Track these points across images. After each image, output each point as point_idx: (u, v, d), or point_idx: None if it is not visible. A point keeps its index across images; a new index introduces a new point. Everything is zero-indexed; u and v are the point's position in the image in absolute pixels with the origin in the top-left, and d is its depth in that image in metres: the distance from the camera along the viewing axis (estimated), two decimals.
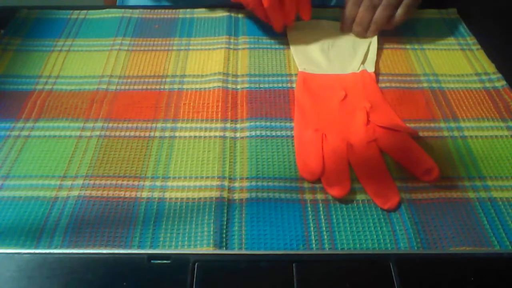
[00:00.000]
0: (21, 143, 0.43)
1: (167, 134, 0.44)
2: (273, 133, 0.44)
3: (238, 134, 0.44)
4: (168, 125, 0.45)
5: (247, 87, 0.49)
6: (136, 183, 0.40)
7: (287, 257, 0.34)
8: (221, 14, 0.60)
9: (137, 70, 0.52)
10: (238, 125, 0.45)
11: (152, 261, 0.33)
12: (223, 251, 0.35)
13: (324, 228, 0.37)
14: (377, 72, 0.51)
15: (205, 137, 0.44)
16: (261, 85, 0.50)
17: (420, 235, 0.36)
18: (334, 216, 0.38)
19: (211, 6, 0.61)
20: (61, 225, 0.37)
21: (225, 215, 0.38)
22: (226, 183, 0.40)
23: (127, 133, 0.44)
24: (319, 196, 0.39)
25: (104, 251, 0.34)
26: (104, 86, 0.49)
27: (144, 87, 0.49)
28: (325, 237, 0.36)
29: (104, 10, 0.60)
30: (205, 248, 0.35)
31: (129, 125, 0.45)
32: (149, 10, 0.61)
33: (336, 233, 0.36)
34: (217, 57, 0.53)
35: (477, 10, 0.62)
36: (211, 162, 0.42)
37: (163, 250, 0.35)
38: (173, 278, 0.32)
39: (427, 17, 0.60)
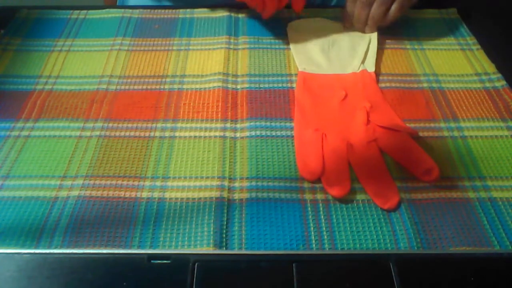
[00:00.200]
0: (21, 143, 0.43)
1: (167, 134, 0.44)
2: (273, 133, 0.44)
3: (238, 134, 0.44)
4: (168, 125, 0.45)
5: (247, 87, 0.49)
6: (136, 183, 0.40)
7: (287, 257, 0.34)
8: (221, 14, 0.60)
9: (137, 70, 0.52)
10: (238, 125, 0.45)
11: (152, 261, 0.33)
12: (223, 251, 0.35)
13: (324, 228, 0.37)
14: (377, 72, 0.51)
15: (205, 137, 0.44)
16: (261, 85, 0.50)
17: (420, 235, 0.36)
18: (334, 216, 0.38)
19: (211, 6, 0.61)
20: (61, 225, 0.37)
21: (225, 215, 0.38)
22: (226, 183, 0.40)
23: (127, 133, 0.44)
24: (319, 196, 0.39)
25: (104, 251, 0.34)
26: (104, 86, 0.49)
27: (144, 87, 0.49)
28: (325, 237, 0.36)
29: (104, 10, 0.60)
30: (205, 248, 0.35)
31: (129, 125, 0.45)
32: (149, 10, 0.61)
33: (336, 233, 0.36)
34: (217, 57, 0.53)
35: (477, 10, 0.62)
36: (211, 162, 0.42)
37: (163, 250, 0.35)
38: (173, 278, 0.32)
39: (427, 17, 0.60)
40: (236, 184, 0.40)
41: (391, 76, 0.51)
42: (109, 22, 0.59)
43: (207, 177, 0.40)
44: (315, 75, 0.50)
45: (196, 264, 0.33)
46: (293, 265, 0.33)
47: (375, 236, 0.36)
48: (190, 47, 0.55)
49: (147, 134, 0.44)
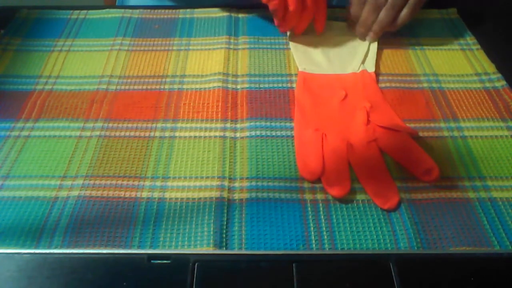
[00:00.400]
0: (21, 143, 0.43)
1: (167, 134, 0.44)
2: (273, 133, 0.44)
3: (238, 134, 0.44)
4: (168, 125, 0.45)
5: (247, 87, 0.49)
6: (136, 183, 0.40)
7: (287, 257, 0.34)
8: (221, 14, 0.60)
9: (137, 70, 0.52)
10: (238, 125, 0.45)
11: (152, 261, 0.33)
12: (223, 251, 0.35)
13: (324, 228, 0.37)
14: (377, 72, 0.51)
15: (205, 137, 0.44)
16: (261, 85, 0.50)
17: (420, 235, 0.36)
18: (334, 216, 0.38)
19: (211, 6, 0.61)
20: (61, 225, 0.37)
21: (225, 215, 0.38)
22: (226, 183, 0.40)
23: (127, 133, 0.44)
24: (319, 196, 0.39)
25: (104, 251, 0.34)
26: (104, 86, 0.49)
27: (144, 87, 0.49)
28: (325, 237, 0.36)
29: (104, 10, 0.60)
30: (205, 248, 0.35)
31: (129, 125, 0.45)
32: (149, 10, 0.61)
33: (336, 233, 0.36)
34: (217, 57, 0.53)
35: (477, 10, 0.62)
36: (211, 162, 0.42)
37: (163, 250, 0.35)
38: (173, 278, 0.32)
39: (427, 17, 0.60)
40: (236, 184, 0.40)
41: (391, 76, 0.51)
42: (109, 22, 0.59)
43: (207, 177, 0.40)
44: (315, 75, 0.50)
45: (196, 264, 0.33)
46: (293, 265, 0.33)
47: (375, 236, 0.36)
48: (190, 47, 0.55)
49: (147, 134, 0.44)
